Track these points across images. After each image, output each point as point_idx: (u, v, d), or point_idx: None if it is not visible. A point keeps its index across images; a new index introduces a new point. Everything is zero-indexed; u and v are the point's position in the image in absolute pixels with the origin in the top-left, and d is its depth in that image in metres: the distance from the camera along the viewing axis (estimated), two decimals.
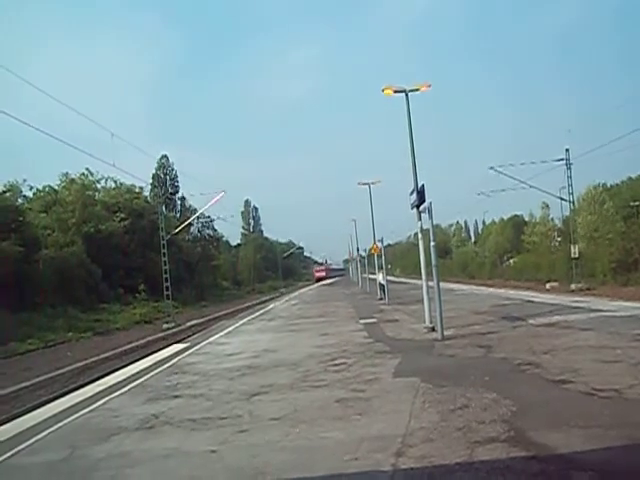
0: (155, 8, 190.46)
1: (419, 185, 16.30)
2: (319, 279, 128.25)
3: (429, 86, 17.02)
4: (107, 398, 11.62)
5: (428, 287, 16.93)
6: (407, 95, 16.90)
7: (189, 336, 27.54)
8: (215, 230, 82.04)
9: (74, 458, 7.60)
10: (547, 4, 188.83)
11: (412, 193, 16.77)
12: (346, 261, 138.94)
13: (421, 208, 16.17)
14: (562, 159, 40.73)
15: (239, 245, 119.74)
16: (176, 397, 11.01)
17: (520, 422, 7.09)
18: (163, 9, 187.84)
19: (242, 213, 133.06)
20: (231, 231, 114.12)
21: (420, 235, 17.35)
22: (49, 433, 9.15)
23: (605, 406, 7.54)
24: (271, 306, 40.83)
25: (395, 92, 17.03)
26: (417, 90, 16.96)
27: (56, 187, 53.74)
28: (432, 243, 15.68)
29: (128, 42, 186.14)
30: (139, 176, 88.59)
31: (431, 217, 15.40)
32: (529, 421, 7.13)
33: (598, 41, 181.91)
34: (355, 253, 66.65)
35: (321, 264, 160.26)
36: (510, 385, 9.18)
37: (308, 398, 9.75)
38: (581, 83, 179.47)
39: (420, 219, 16.67)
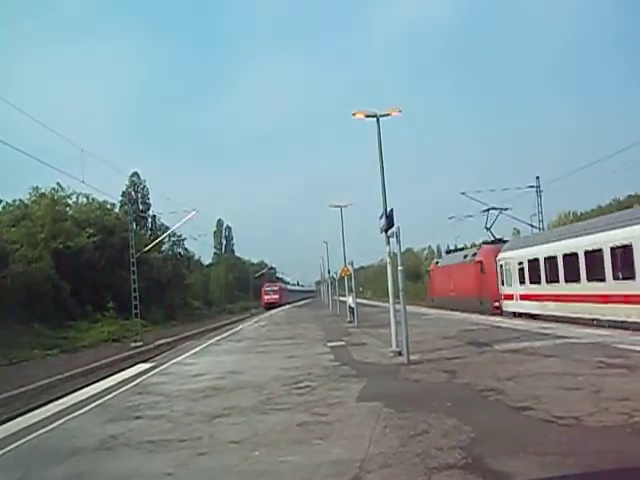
0: (136, 20, 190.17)
1: (388, 209, 16.39)
2: (269, 304, 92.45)
3: (399, 111, 17.17)
4: (67, 418, 11.42)
5: (395, 311, 16.97)
6: (378, 120, 17.02)
7: (156, 355, 27.28)
8: (186, 249, 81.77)
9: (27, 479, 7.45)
10: (521, 32, 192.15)
11: (381, 217, 16.86)
12: (318, 282, 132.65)
13: (389, 232, 16.25)
14: (533, 186, 41.36)
15: (211, 265, 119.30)
16: (137, 418, 10.85)
17: (478, 449, 7.09)
18: (146, 30, 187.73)
19: (214, 232, 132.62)
20: (203, 250, 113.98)
21: (388, 259, 17.41)
22: (3, 453, 8.96)
23: (564, 433, 7.58)
24: (240, 327, 40.56)
25: (366, 116, 17.15)
26: (388, 115, 17.10)
27: (26, 201, 53.25)
28: (400, 267, 15.75)
29: (102, 60, 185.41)
30: (111, 193, 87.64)
31: (399, 242, 15.47)
32: (487, 448, 7.14)
33: (576, 68, 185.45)
34: (326, 275, 66.67)
35: (274, 281, 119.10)
36: (471, 411, 9.20)
37: (270, 421, 9.68)
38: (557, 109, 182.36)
39: (388, 243, 16.74)
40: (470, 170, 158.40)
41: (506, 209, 40.71)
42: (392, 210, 16.20)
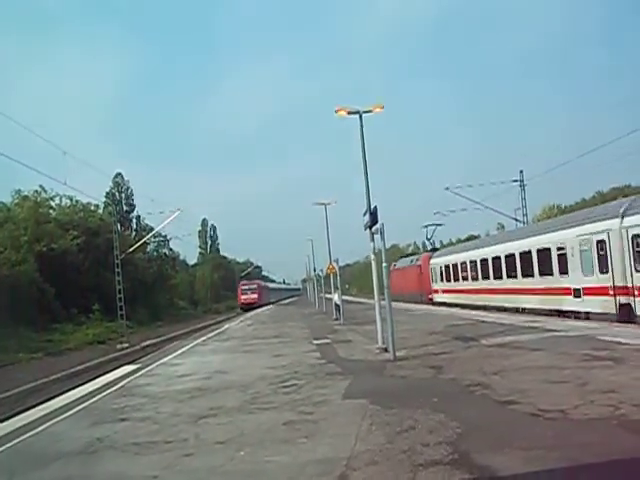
0: (114, 23, 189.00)
1: (372, 206, 16.39)
2: (247, 305, 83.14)
3: (382, 107, 17.18)
4: (52, 421, 11.33)
5: (381, 307, 16.96)
6: (361, 116, 17.01)
7: (142, 357, 27.09)
8: (171, 249, 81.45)
9: None
10: (506, 29, 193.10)
11: (365, 214, 16.85)
12: (304, 281, 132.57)
13: (374, 229, 16.24)
14: (517, 180, 41.54)
15: (196, 264, 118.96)
16: (123, 420, 10.78)
17: (465, 444, 7.08)
18: (122, 24, 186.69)
19: (199, 232, 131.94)
20: (188, 250, 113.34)
21: (373, 256, 17.39)
22: None
23: (549, 427, 7.59)
24: (227, 326, 40.48)
25: (349, 113, 17.14)
26: (370, 112, 17.11)
27: (8, 204, 52.80)
28: (384, 264, 15.75)
29: (84, 59, 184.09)
30: (93, 194, 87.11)
31: (383, 238, 15.46)
32: (473, 443, 7.13)
33: (557, 65, 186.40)
34: (312, 273, 66.60)
35: (254, 280, 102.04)
36: (458, 406, 9.20)
37: (256, 421, 9.65)
38: (540, 105, 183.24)
39: (373, 240, 16.74)
40: (456, 166, 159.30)
41: (440, 224, 52.91)
42: (376, 207, 16.21)
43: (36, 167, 32.65)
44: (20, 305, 38.98)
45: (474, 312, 30.81)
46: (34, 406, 14.42)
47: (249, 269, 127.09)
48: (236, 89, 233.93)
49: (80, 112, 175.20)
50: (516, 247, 29.68)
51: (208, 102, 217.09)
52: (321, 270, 55.06)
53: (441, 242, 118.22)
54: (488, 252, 33.92)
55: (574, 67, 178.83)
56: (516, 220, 42.31)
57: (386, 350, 16.00)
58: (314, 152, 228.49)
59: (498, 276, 31.98)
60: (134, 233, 74.37)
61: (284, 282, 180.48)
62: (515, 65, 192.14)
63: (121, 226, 73.13)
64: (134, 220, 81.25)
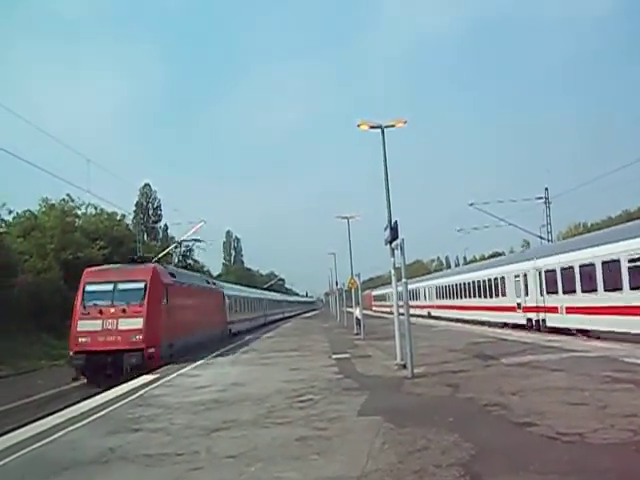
0: (147, 40, 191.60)
1: (392, 221, 16.28)
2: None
3: (405, 122, 17.10)
4: (68, 429, 11.36)
5: (400, 323, 16.82)
6: (383, 131, 16.95)
7: (160, 366, 27.08)
8: (195, 260, 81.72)
9: None
10: (534, 41, 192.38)
11: (386, 229, 16.74)
12: (327, 294, 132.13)
13: (394, 244, 16.13)
14: (541, 197, 41.17)
15: (220, 275, 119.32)
16: (136, 430, 10.77)
17: (478, 466, 6.94)
18: (155, 40, 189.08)
19: (223, 244, 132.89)
20: (212, 262, 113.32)
21: (393, 271, 17.27)
22: (3, 464, 8.90)
23: (566, 451, 7.42)
24: (247, 338, 40.43)
25: (371, 127, 17.09)
26: (393, 126, 17.04)
27: (36, 212, 53.37)
28: (403, 280, 15.61)
29: (117, 72, 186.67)
30: (121, 204, 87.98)
31: (403, 253, 15.35)
32: (487, 466, 6.99)
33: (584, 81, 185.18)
34: (334, 287, 66.41)
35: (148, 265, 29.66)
36: (473, 427, 9.05)
37: (269, 435, 9.57)
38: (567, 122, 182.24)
39: (393, 255, 16.62)
40: (481, 182, 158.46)
41: None
42: (397, 222, 16.11)
43: (61, 176, 32.57)
44: (44, 312, 39.33)
45: (498, 330, 30.51)
46: (52, 413, 14.45)
47: (272, 281, 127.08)
48: (262, 102, 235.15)
49: (110, 124, 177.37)
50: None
51: (233, 114, 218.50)
52: (343, 284, 54.83)
53: (465, 259, 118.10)
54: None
55: (602, 81, 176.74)
56: (541, 238, 41.81)
57: (405, 366, 15.82)
58: (341, 165, 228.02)
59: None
60: (159, 243, 74.65)
61: (307, 295, 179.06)
62: (541, 80, 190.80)
63: (147, 236, 73.69)
64: (160, 230, 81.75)
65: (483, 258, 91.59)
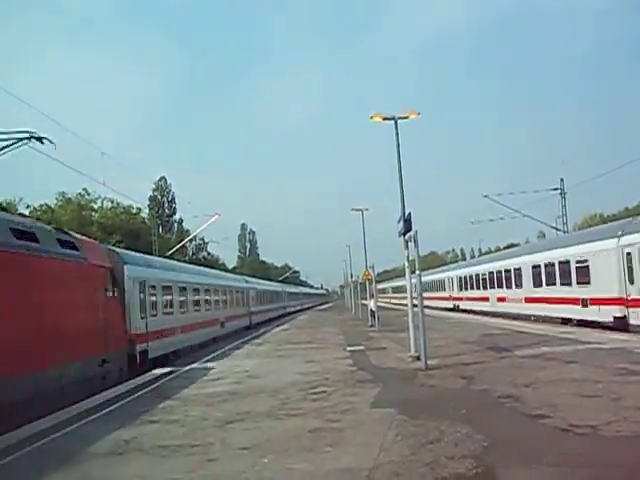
0: (160, 32, 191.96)
1: (406, 213, 16.26)
2: None
3: (418, 114, 17.04)
4: (84, 421, 11.47)
5: (414, 315, 16.81)
6: (396, 122, 16.92)
7: (172, 360, 27.25)
8: (209, 253, 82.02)
9: None
10: (553, 31, 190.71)
11: (399, 221, 16.72)
12: (342, 287, 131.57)
13: (407, 236, 16.11)
14: (557, 188, 40.93)
15: (235, 268, 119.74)
16: (152, 422, 10.87)
17: (490, 458, 6.95)
18: (167, 33, 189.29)
19: (239, 236, 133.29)
20: (227, 254, 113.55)
21: (407, 263, 17.25)
22: (20, 456, 9.00)
23: (579, 443, 7.42)
24: (262, 330, 40.57)
25: (384, 119, 17.05)
26: (406, 118, 16.99)
27: (52, 206, 53.76)
28: (417, 272, 15.60)
29: (131, 65, 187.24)
30: (135, 197, 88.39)
31: (417, 245, 15.32)
32: (499, 457, 7.00)
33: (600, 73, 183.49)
34: (349, 279, 66.38)
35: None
36: (486, 419, 9.06)
37: (283, 427, 9.64)
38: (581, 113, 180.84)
39: (407, 247, 16.60)
40: (497, 173, 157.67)
41: None
42: (410, 214, 16.09)
43: (76, 168, 32.70)
44: None
45: (511, 322, 30.35)
46: (67, 406, 14.57)
47: (286, 274, 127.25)
48: (275, 94, 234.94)
49: (126, 115, 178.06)
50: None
51: (248, 106, 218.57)
52: (358, 276, 54.81)
53: (480, 250, 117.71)
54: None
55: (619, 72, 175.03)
56: (556, 229, 41.56)
57: (418, 358, 15.83)
58: (360, 153, 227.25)
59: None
60: (174, 236, 74.97)
61: (321, 287, 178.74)
62: (559, 69, 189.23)
63: (162, 229, 74.02)
64: (175, 223, 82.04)
65: (498, 249, 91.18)
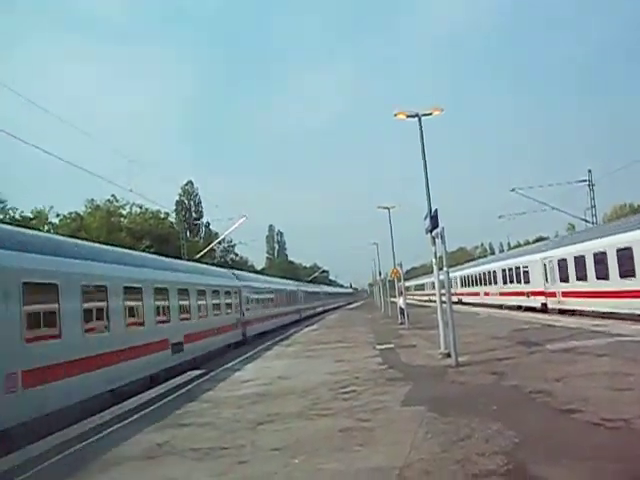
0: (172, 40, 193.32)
1: (432, 210, 16.22)
2: None
3: (441, 110, 17.00)
4: (117, 425, 11.64)
5: (443, 312, 16.76)
6: (420, 119, 16.88)
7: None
8: (237, 255, 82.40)
9: None
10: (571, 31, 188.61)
11: (426, 218, 16.68)
12: (371, 285, 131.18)
13: (434, 233, 16.07)
14: (585, 180, 40.52)
15: (264, 269, 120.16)
16: (184, 425, 10.99)
17: (522, 454, 6.93)
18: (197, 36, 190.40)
19: (267, 238, 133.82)
20: (256, 256, 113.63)
21: (434, 260, 17.19)
22: (57, 460, 9.20)
23: (612, 437, 7.35)
24: (292, 330, 40.67)
25: (408, 117, 17.02)
26: (430, 114, 16.94)
27: (82, 213, 54.47)
28: (444, 269, 15.55)
29: (152, 73, 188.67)
30: (162, 202, 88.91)
31: (444, 242, 15.28)
32: (531, 453, 6.96)
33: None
34: (377, 277, 66.28)
35: None
36: (517, 415, 9.02)
37: (313, 427, 9.70)
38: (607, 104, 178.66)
39: (434, 244, 16.56)
40: (522, 168, 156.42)
41: None
42: (437, 210, 16.05)
43: (105, 176, 33.24)
44: None
45: (540, 316, 30.11)
46: (103, 410, 14.76)
47: (315, 274, 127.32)
48: (300, 96, 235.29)
49: (151, 121, 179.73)
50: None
51: (275, 110, 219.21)
52: (386, 274, 54.72)
53: (509, 245, 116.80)
54: None
55: None
56: (585, 221, 41.14)
57: (449, 355, 15.77)
58: (387, 156, 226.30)
59: None
60: (202, 240, 75.44)
61: (351, 286, 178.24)
62: (584, 60, 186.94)
63: (190, 233, 74.57)
64: (202, 227, 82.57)
65: (527, 243, 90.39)
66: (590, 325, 21.77)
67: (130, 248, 49.14)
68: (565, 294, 30.05)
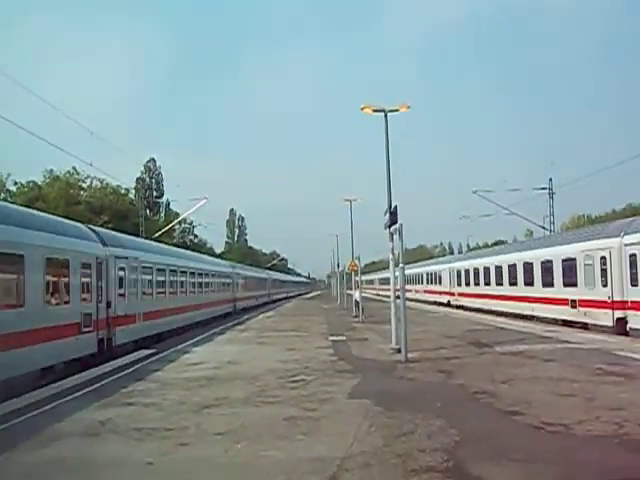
0: (155, 17, 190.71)
1: (392, 206, 16.27)
2: None
3: (408, 107, 17.03)
4: (59, 401, 11.43)
5: (396, 308, 16.86)
6: (386, 115, 16.88)
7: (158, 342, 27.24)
8: (196, 236, 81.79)
9: (5, 462, 7.46)
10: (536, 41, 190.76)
11: (386, 213, 16.74)
12: (329, 276, 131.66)
13: (392, 229, 16.14)
14: (545, 188, 41.15)
15: (222, 253, 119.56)
16: (129, 405, 10.86)
17: (461, 452, 7.01)
18: (163, 18, 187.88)
19: (227, 222, 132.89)
20: (215, 239, 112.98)
21: (391, 256, 17.29)
22: None
23: (550, 441, 7.50)
24: (246, 316, 40.60)
25: (374, 111, 17.02)
26: (396, 110, 16.96)
27: (40, 183, 53.50)
28: (400, 264, 15.64)
29: (126, 48, 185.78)
30: (124, 179, 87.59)
31: (401, 238, 15.37)
32: (470, 452, 7.06)
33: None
34: (336, 268, 66.46)
35: None
36: (461, 413, 9.13)
37: (258, 414, 9.67)
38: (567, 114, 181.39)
39: (392, 240, 16.63)
40: (487, 170, 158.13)
41: None
42: (396, 207, 16.11)
43: (65, 148, 32.58)
44: None
45: (495, 318, 30.57)
46: (46, 385, 14.53)
47: (274, 261, 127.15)
48: (268, 80, 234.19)
49: (113, 99, 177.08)
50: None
51: (242, 96, 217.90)
52: (344, 266, 54.90)
53: (468, 246, 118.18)
54: None
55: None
56: (543, 228, 41.88)
57: (399, 351, 15.89)
58: (352, 144, 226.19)
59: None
60: (162, 219, 74.68)
61: (309, 276, 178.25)
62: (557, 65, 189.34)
63: (150, 211, 73.76)
64: (163, 206, 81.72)
65: (486, 246, 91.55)
66: (541, 330, 22.15)
67: (88, 222, 49.11)
68: (460, 294, 43.16)
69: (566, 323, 24.84)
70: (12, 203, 44.58)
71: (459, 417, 8.78)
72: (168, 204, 79.11)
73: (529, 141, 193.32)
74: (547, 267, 27.26)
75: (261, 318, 38.66)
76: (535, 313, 28.46)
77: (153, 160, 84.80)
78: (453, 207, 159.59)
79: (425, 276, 56.69)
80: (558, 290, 25.79)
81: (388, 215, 16.35)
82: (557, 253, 26.46)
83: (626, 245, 20.71)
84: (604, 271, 22.00)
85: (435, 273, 52.49)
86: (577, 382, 11.37)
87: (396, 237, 16.03)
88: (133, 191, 68.59)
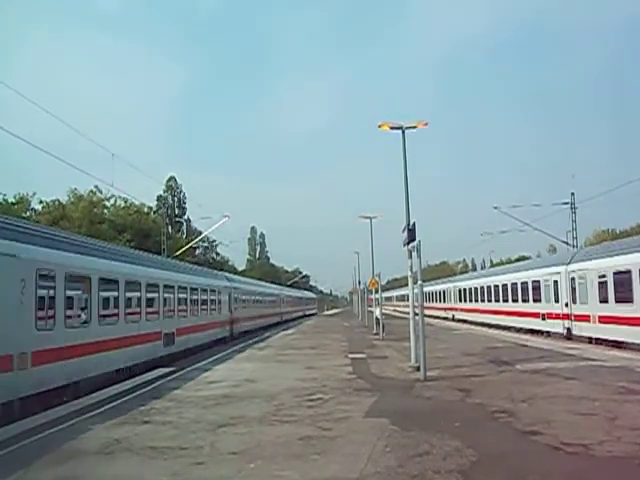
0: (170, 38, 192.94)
1: (410, 223, 16.19)
2: None
3: (426, 124, 16.97)
4: (78, 419, 11.47)
5: (416, 326, 16.74)
6: (404, 132, 16.84)
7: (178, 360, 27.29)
8: (218, 254, 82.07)
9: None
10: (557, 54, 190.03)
11: (404, 230, 16.66)
12: (351, 293, 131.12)
13: (410, 246, 16.06)
14: (567, 202, 40.77)
15: (244, 271, 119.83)
16: (145, 423, 10.87)
17: (477, 474, 6.90)
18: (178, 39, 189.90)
19: (248, 239, 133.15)
20: (237, 257, 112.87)
21: (410, 273, 17.18)
22: (11, 450, 9.06)
23: (569, 462, 7.35)
24: (267, 334, 40.54)
25: (391, 128, 16.98)
26: (414, 127, 16.92)
27: (64, 202, 53.99)
28: (419, 282, 15.54)
29: (142, 68, 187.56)
30: (143, 199, 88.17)
31: (419, 256, 15.28)
32: (486, 474, 6.96)
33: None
34: (357, 286, 66.25)
35: None
36: (478, 433, 9.00)
37: (274, 433, 9.60)
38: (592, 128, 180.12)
39: (410, 257, 16.54)
40: (511, 186, 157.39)
41: None
42: (414, 224, 16.03)
43: (87, 169, 32.97)
44: None
45: (517, 335, 30.33)
46: (67, 401, 14.59)
47: (295, 278, 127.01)
48: (288, 102, 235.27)
49: (135, 116, 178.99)
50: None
51: (259, 114, 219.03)
52: (365, 283, 54.76)
53: (491, 261, 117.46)
54: None
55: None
56: (567, 244, 41.36)
57: (418, 369, 15.75)
58: (374, 162, 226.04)
59: None
60: (184, 237, 75.05)
61: (331, 293, 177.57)
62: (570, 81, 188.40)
63: (172, 229, 74.17)
64: (184, 224, 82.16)
65: (509, 261, 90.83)
66: (563, 347, 21.87)
67: (111, 240, 49.52)
68: (461, 309, 51.22)
69: (534, 332, 31.37)
70: (36, 222, 45.52)
71: (476, 437, 8.66)
72: (189, 221, 79.55)
73: (550, 156, 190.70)
74: (524, 287, 34.01)
75: (281, 336, 38.56)
76: (513, 324, 35.44)
77: (174, 179, 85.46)
78: (476, 223, 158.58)
79: (435, 294, 62.44)
80: (532, 305, 32.44)
81: (406, 232, 16.27)
82: (529, 275, 33.49)
83: (570, 272, 27.40)
84: (556, 291, 29.09)
85: (443, 291, 59.13)
86: (598, 401, 11.17)
87: (414, 254, 15.94)
88: (155, 209, 69.11)
